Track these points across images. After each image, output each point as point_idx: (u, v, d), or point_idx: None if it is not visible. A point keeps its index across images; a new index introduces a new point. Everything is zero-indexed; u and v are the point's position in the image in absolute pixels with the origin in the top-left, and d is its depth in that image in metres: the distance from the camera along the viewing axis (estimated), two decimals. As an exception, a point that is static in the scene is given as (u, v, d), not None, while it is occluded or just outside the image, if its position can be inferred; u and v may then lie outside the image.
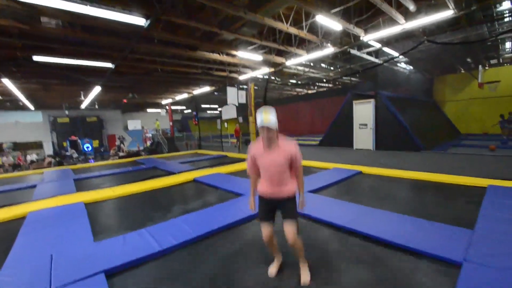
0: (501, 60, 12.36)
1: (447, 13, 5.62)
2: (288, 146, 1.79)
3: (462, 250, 1.86)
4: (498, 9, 6.94)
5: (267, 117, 1.70)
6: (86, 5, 3.98)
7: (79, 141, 16.59)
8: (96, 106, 17.73)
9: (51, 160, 10.69)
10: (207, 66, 10.06)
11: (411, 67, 12.59)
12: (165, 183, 4.57)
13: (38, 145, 17.20)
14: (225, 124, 13.93)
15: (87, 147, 16.79)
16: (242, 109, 11.64)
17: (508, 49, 10.76)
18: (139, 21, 4.75)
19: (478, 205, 2.76)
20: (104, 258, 1.96)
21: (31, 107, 15.39)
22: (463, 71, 13.40)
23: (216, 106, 23.05)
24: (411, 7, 5.51)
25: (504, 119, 9.98)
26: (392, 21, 6.24)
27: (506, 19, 7.43)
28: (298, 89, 18.60)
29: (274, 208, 1.88)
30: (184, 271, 1.88)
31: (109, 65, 8.19)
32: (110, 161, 9.96)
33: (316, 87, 17.83)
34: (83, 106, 16.21)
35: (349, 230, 2.40)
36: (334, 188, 3.95)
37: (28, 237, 2.48)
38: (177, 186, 4.52)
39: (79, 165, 8.31)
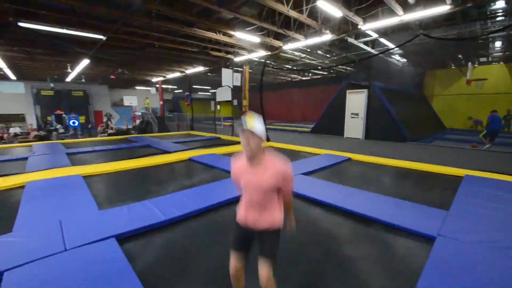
0: (490, 59, 12.76)
1: (444, 8, 5.74)
2: (278, 164, 1.42)
3: (436, 227, 2.11)
4: (492, 8, 7.12)
5: (251, 121, 1.35)
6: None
7: (64, 115, 16.03)
8: (83, 80, 17.04)
9: (37, 133, 10.38)
10: (203, 45, 9.82)
11: (405, 60, 12.79)
12: (161, 161, 4.64)
13: (20, 118, 16.53)
14: (218, 106, 13.84)
15: (73, 123, 16.29)
16: (236, 92, 11.57)
17: (498, 48, 11.11)
18: (137, -8, 4.58)
19: (455, 191, 3.04)
20: (112, 225, 2.08)
21: (13, 77, 14.61)
22: (453, 67, 13.77)
23: (209, 87, 22.65)
24: (411, -1, 5.57)
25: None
26: (391, 12, 6.29)
27: (499, 18, 7.64)
28: (292, 75, 18.54)
29: (251, 238, 1.50)
30: (190, 238, 2.04)
31: (100, 36, 7.86)
32: (100, 138, 9.80)
33: (310, 74, 17.84)
34: (69, 79, 15.54)
35: (338, 208, 2.62)
36: (325, 172, 4.17)
37: (32, 204, 2.54)
38: (173, 164, 4.61)
39: (70, 140, 8.16)
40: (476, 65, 13.13)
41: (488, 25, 8.16)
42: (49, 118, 16.24)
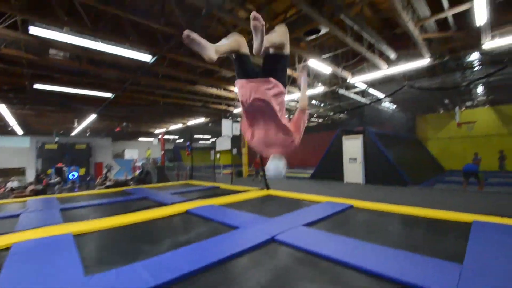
0: (475, 103, 13.50)
1: (424, 62, 6.33)
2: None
3: (453, 284, 1.92)
4: (467, 60, 7.84)
5: None
6: (97, 41, 4.30)
7: (65, 168, 16.09)
8: (88, 134, 17.64)
9: (34, 188, 10.25)
10: (205, 99, 10.48)
11: (395, 106, 13.49)
12: (157, 215, 4.48)
13: (20, 172, 16.56)
14: (218, 155, 14.03)
15: (73, 175, 16.24)
16: (235, 141, 11.88)
17: (480, 93, 11.85)
18: (145, 57, 5.10)
19: (465, 240, 2.86)
20: (97, 293, 1.89)
21: (20, 132, 15.16)
22: (442, 111, 14.45)
23: (209, 136, 23.35)
24: (392, 55, 6.18)
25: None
26: (376, 67, 6.91)
27: (476, 68, 8.35)
28: (289, 123, 19.30)
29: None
30: (181, 307, 1.84)
31: (108, 95, 8.44)
32: (97, 191, 9.65)
33: (307, 122, 18.59)
34: (74, 133, 16.10)
35: (343, 264, 2.43)
36: (327, 222, 3.99)
37: (14, 271, 2.35)
38: (170, 218, 4.43)
39: (65, 194, 8.02)
40: (463, 109, 13.80)
41: (467, 74, 8.87)
42: (49, 171, 16.27)
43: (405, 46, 6.35)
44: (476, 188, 7.82)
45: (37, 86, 6.99)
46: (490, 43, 5.47)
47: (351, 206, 4.92)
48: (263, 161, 6.47)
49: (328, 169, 10.18)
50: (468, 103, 13.72)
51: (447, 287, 1.92)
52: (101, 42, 4.45)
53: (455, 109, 12.68)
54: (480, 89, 11.32)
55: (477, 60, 7.93)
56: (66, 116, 12.04)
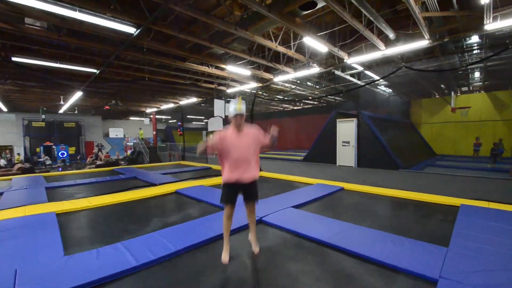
0: (471, 88, 13.42)
1: (423, 43, 6.11)
2: (253, 130, 2.29)
3: (438, 267, 1.92)
4: (467, 42, 7.62)
5: (240, 106, 2.15)
6: (75, 10, 3.94)
7: (54, 147, 15.73)
8: (76, 111, 17.08)
9: (21, 166, 10.01)
10: (195, 78, 10.10)
11: (390, 90, 13.34)
12: (145, 195, 4.41)
13: (9, 150, 16.11)
14: (211, 136, 13.86)
15: (62, 154, 15.93)
16: (228, 122, 11.66)
17: (477, 78, 11.74)
18: (129, 29, 4.75)
19: (452, 223, 2.88)
20: (74, 274, 1.83)
21: (4, 108, 14.55)
22: (437, 96, 14.39)
23: (202, 117, 22.95)
24: (391, 35, 5.93)
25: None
26: (374, 47, 6.66)
27: (475, 51, 8.16)
28: (284, 105, 19.03)
29: (237, 192, 2.23)
30: (165, 286, 1.79)
31: (93, 70, 8.01)
32: (86, 170, 9.49)
33: (302, 104, 18.34)
34: (61, 110, 15.55)
35: (330, 246, 2.42)
36: (317, 204, 3.99)
37: (-10, 249, 2.27)
38: (158, 198, 4.37)
39: (52, 173, 7.85)
40: (458, 94, 13.74)
41: (466, 58, 8.68)
42: (37, 149, 15.90)
43: (405, 26, 6.07)
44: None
45: (16, 59, 6.55)
46: (492, 25, 5.26)
47: (342, 189, 4.94)
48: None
49: (321, 152, 10.18)
50: (464, 89, 13.64)
51: (432, 270, 1.91)
52: (79, 11, 4.08)
53: (450, 94, 12.60)
54: (477, 74, 11.19)
55: (477, 44, 7.73)
56: (51, 92, 11.51)
